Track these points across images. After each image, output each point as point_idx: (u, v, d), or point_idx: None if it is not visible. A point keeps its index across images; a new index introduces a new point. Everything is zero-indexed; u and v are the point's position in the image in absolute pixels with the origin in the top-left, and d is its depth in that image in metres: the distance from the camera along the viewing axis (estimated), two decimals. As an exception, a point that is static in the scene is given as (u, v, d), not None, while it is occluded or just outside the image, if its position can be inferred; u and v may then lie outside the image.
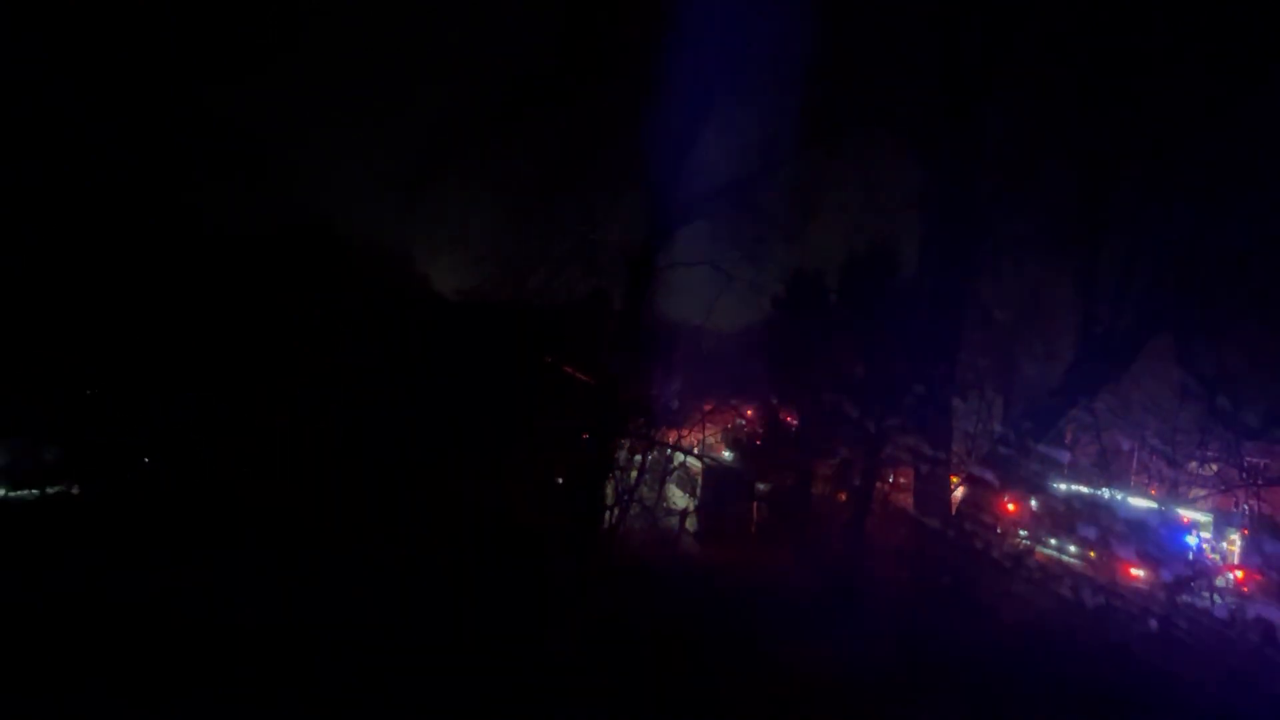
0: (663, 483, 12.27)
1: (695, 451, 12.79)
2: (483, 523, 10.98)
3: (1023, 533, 13.90)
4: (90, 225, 9.43)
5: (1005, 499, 13.28)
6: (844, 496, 12.56)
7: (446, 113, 10.54)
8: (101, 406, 10.72)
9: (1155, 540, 12.11)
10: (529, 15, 10.58)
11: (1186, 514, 14.20)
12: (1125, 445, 13.27)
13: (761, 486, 13.23)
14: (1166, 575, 11.62)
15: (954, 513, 12.10)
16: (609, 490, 11.94)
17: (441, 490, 11.10)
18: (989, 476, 12.42)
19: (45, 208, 9.24)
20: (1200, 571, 12.30)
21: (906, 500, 12.34)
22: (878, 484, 12.40)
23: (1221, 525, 14.35)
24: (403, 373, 11.11)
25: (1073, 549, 14.33)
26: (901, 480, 12.78)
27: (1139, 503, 14.14)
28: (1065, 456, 12.35)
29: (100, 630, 8.31)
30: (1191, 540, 14.13)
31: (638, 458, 12.07)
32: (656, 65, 10.96)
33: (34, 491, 10.80)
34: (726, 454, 13.82)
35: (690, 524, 12.54)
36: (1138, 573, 13.11)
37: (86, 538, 9.86)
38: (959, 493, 12.07)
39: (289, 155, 9.72)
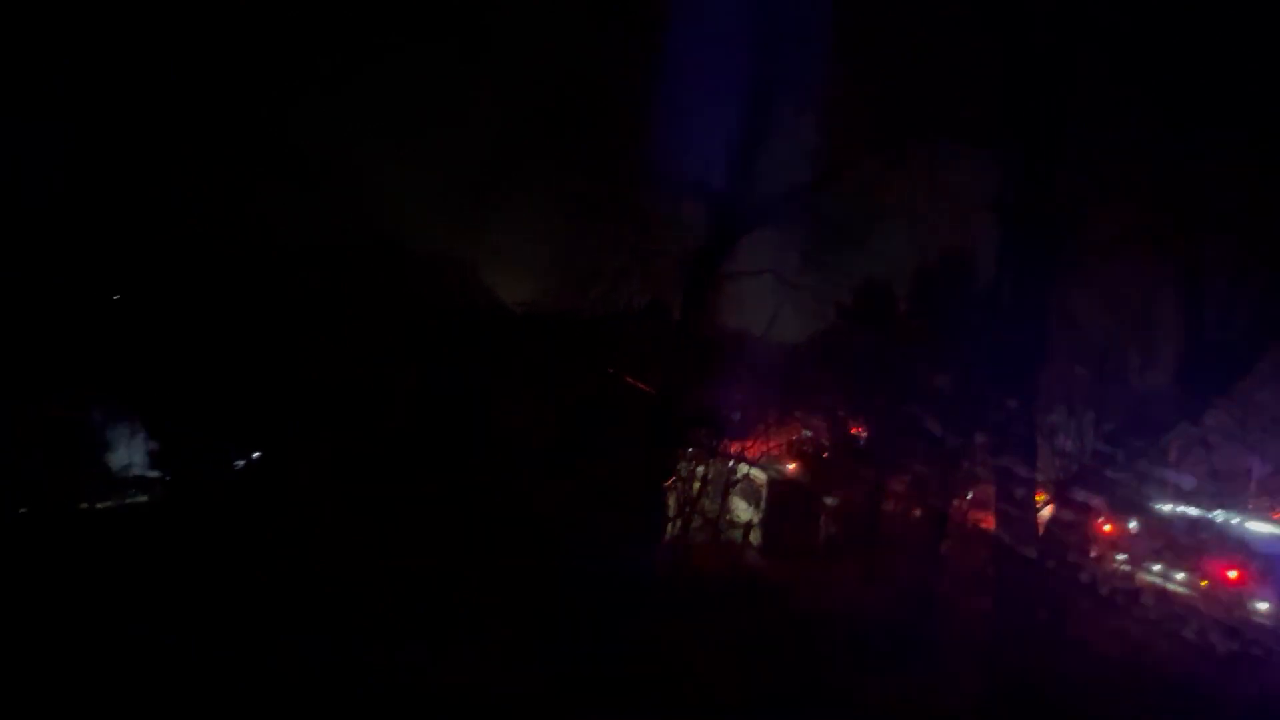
0: (725, 495, 11.19)
1: (759, 463, 11.65)
2: (543, 533, 10.22)
3: (1120, 557, 11.95)
4: (145, 238, 9.39)
5: (1101, 520, 11.44)
6: (918, 514, 11.05)
7: (508, 125, 10.02)
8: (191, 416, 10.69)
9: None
10: (587, 26, 9.94)
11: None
12: (1254, 466, 11.11)
13: (829, 501, 11.88)
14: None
15: (1041, 534, 10.37)
16: (670, 501, 10.96)
17: (502, 499, 10.42)
18: (1083, 495, 10.67)
19: (110, 220, 9.26)
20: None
21: (987, 520, 10.70)
22: (955, 502, 10.83)
23: (1364, 556, 11.87)
24: (466, 382, 10.57)
25: (1179, 576, 12.26)
26: (982, 498, 11.15)
27: (1259, 527, 11.93)
28: (1190, 481, 10.39)
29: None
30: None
31: (700, 469, 11.07)
32: (717, 71, 10.11)
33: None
34: (792, 467, 12.56)
35: (754, 537, 11.36)
36: (1263, 605, 10.99)
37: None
38: (1046, 513, 10.35)
39: (355, 171, 9.42)
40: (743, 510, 11.85)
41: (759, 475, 11.89)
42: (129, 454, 11.95)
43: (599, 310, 10.82)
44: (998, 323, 10.91)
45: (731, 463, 11.30)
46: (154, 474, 11.95)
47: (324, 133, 9.37)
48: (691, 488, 10.96)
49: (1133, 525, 12.23)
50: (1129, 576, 12.00)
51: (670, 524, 10.78)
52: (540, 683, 7.39)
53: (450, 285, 10.76)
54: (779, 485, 11.90)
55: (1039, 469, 10.91)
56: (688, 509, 10.85)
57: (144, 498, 11.91)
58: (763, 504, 11.84)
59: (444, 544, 10.02)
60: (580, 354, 10.94)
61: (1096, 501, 10.85)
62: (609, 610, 9.25)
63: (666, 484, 10.82)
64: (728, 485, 11.24)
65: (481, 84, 9.71)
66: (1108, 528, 11.35)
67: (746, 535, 11.29)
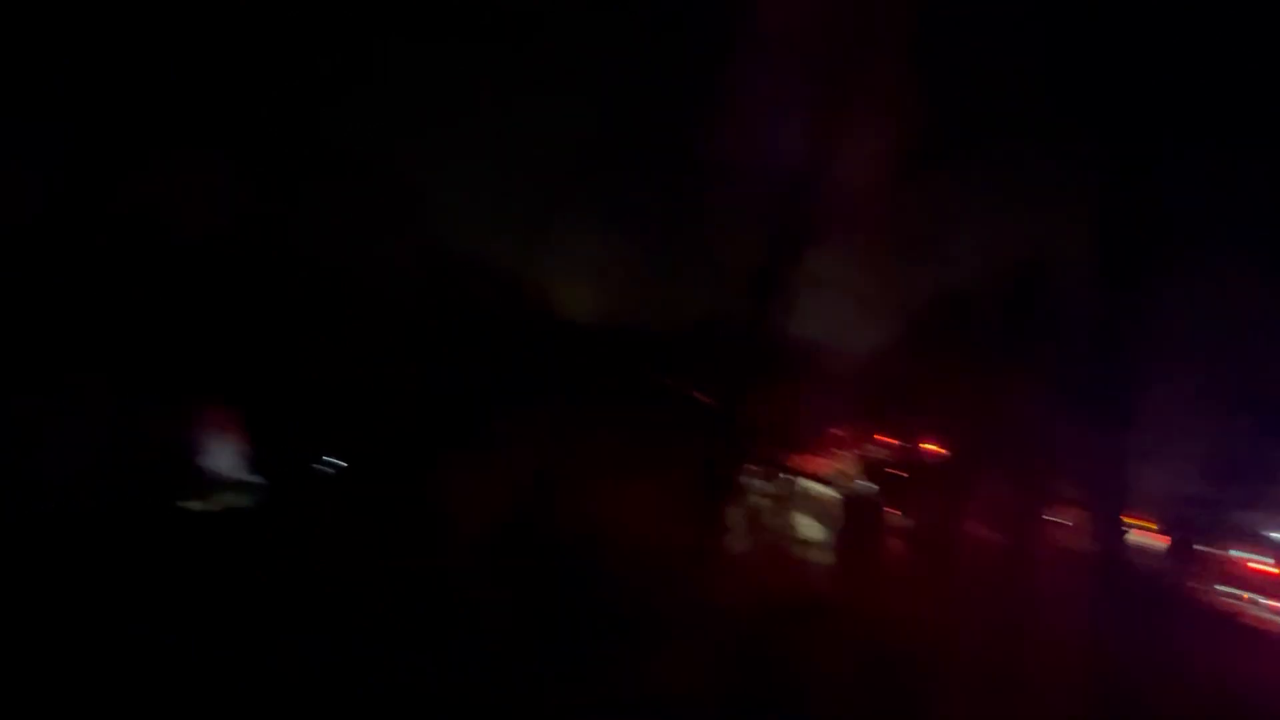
0: (790, 510, 10.69)
1: (826, 479, 11.10)
2: (603, 546, 10.01)
3: (1247, 594, 10.61)
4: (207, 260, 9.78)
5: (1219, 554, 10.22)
6: (999, 537, 10.20)
7: (570, 135, 10.13)
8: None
9: None
10: (652, 35, 9.96)
11: None
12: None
13: (902, 522, 11.15)
14: None
15: (1141, 564, 9.34)
16: (732, 516, 10.56)
17: (561, 510, 10.29)
18: (1190, 523, 9.58)
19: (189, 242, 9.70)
20: None
21: (1074, 544, 9.74)
22: (1039, 526, 9.93)
23: None
24: (530, 394, 10.59)
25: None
26: (1068, 522, 10.18)
27: None
28: None
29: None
30: None
31: (763, 483, 10.63)
32: (783, 77, 9.93)
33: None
34: (862, 483, 11.92)
35: (819, 556, 10.77)
36: None
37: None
38: (1143, 538, 9.32)
39: (419, 184, 9.71)
40: (809, 527, 11.29)
41: (826, 492, 11.32)
42: (226, 457, 12.58)
43: (661, 320, 10.68)
44: (1088, 338, 10.06)
45: (796, 478, 10.82)
46: (251, 478, 12.53)
47: (391, 146, 9.70)
48: (755, 502, 10.54)
49: (1257, 560, 10.85)
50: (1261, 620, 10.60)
51: (730, 538, 10.36)
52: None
53: (510, 295, 10.86)
54: (847, 503, 11.28)
55: (1140, 494, 9.91)
56: (750, 524, 10.43)
57: (241, 500, 12.47)
58: (829, 521, 11.24)
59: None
60: (643, 365, 10.80)
61: (1209, 531, 9.72)
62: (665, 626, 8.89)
63: (727, 498, 10.44)
64: (792, 501, 10.76)
65: (544, 94, 9.88)
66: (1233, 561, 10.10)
67: (811, 553, 10.72)
